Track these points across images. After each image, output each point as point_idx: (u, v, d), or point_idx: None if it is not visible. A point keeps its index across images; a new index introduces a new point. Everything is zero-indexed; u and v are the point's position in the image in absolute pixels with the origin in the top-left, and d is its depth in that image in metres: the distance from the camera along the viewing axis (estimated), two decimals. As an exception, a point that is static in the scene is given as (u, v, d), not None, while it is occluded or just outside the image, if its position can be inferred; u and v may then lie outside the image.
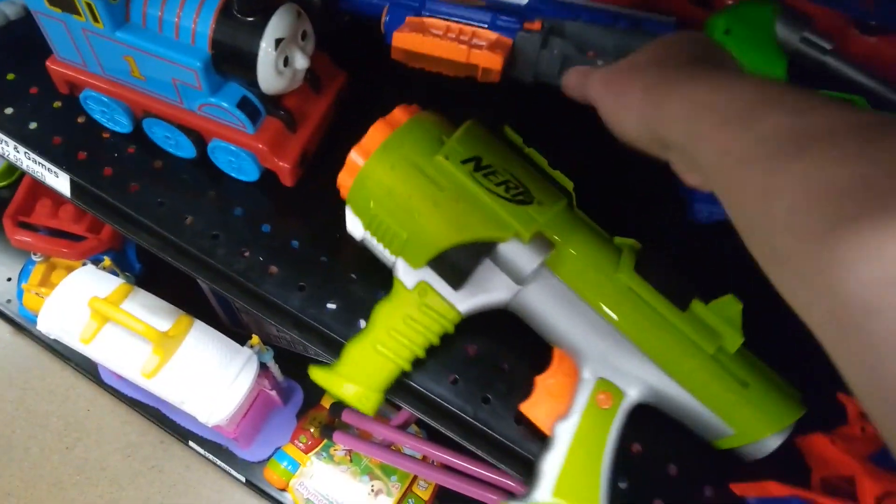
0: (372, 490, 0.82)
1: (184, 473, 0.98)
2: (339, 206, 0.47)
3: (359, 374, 0.42)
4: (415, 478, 0.84)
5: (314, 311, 0.46)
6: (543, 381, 0.42)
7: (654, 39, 0.36)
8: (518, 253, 0.39)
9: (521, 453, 0.44)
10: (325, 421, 0.86)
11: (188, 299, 0.75)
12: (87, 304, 0.67)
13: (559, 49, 0.45)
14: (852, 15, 0.47)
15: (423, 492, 0.83)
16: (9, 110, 0.53)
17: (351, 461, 0.84)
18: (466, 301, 0.41)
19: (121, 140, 0.52)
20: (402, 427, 0.81)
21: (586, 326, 0.39)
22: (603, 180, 0.49)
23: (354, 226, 0.42)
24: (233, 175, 0.50)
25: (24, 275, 0.92)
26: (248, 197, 0.50)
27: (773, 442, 0.39)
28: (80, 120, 0.52)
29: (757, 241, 0.25)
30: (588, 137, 0.51)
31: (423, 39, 0.45)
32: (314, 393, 0.90)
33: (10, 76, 0.54)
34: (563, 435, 0.39)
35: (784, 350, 0.47)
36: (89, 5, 0.40)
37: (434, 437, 0.78)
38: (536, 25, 0.45)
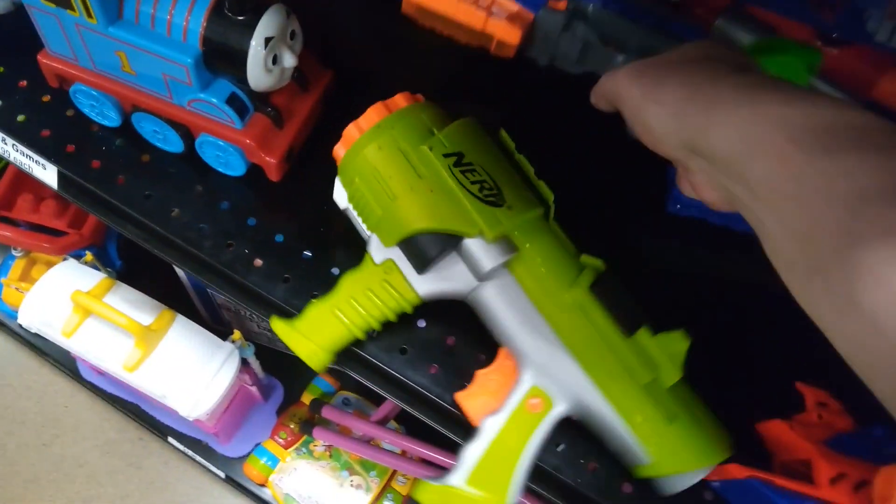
0: (351, 485, 0.83)
1: (162, 470, 0.98)
2: (322, 202, 0.48)
3: (314, 332, 0.43)
4: (394, 473, 0.85)
5: (298, 302, 0.48)
6: (483, 376, 0.44)
7: (686, 43, 0.36)
8: (481, 250, 0.40)
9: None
10: (306, 417, 0.87)
11: (169, 297, 0.76)
12: (70, 298, 0.68)
13: (581, 34, 0.43)
14: (814, 26, 0.49)
15: (402, 487, 0.85)
16: (-3, 103, 0.54)
17: (330, 457, 0.85)
18: (427, 285, 0.42)
19: (109, 134, 0.53)
20: (382, 423, 0.82)
21: (533, 333, 0.41)
22: (593, 196, 0.51)
23: (340, 196, 0.44)
24: (220, 170, 0.51)
25: (3, 270, 0.92)
26: (234, 191, 0.51)
27: (687, 479, 0.40)
28: (69, 114, 0.53)
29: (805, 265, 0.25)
30: (589, 154, 0.53)
31: None
32: (294, 390, 0.91)
33: (0, 69, 0.55)
34: (489, 429, 0.41)
35: (748, 339, 0.50)
36: (83, 1, 0.41)
37: (413, 432, 0.79)
38: (561, 5, 0.43)
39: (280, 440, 0.86)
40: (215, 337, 0.73)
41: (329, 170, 0.45)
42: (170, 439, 0.89)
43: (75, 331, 0.70)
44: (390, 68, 0.57)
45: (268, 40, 0.42)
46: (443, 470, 0.65)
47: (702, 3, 0.49)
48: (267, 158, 0.48)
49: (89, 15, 0.42)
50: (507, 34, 0.44)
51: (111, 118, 0.51)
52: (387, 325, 0.47)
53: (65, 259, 0.77)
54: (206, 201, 0.51)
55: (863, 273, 0.22)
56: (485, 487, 0.40)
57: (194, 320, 0.74)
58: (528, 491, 0.44)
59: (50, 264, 0.83)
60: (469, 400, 0.44)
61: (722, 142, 0.29)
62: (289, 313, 0.48)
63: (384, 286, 0.43)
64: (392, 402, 0.83)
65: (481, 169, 0.41)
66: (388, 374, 0.47)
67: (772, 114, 0.27)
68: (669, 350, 0.40)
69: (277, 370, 0.91)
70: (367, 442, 0.80)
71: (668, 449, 0.40)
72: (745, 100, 0.28)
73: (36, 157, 0.52)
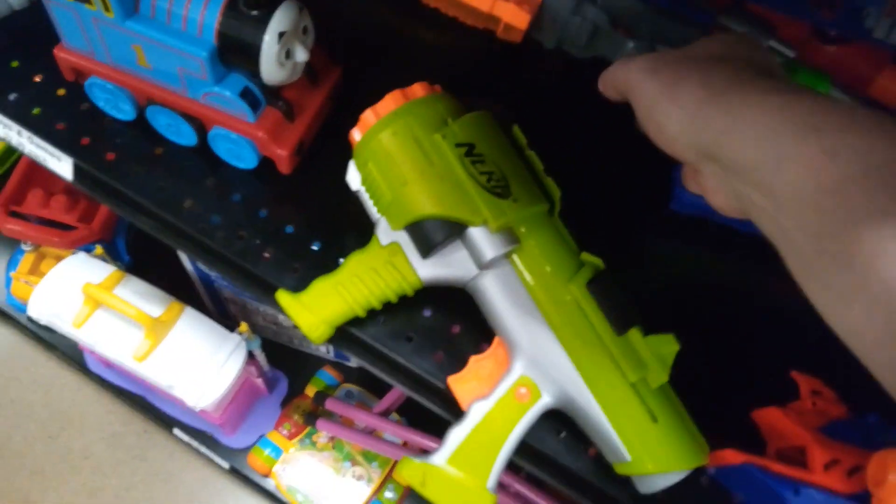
0: (353, 475, 0.85)
1: (167, 462, 0.99)
2: (332, 195, 0.50)
3: (317, 305, 0.45)
4: (395, 464, 0.86)
5: (307, 291, 0.49)
6: (476, 362, 0.45)
7: (709, 37, 0.34)
8: (484, 239, 0.41)
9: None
10: (309, 409, 0.88)
11: (176, 291, 0.77)
12: (81, 290, 0.69)
13: (591, 17, 0.42)
14: (813, 24, 0.51)
15: (404, 479, 0.86)
16: (13, 96, 0.55)
17: (333, 448, 0.87)
18: (429, 270, 0.44)
19: (123, 127, 0.54)
20: (384, 414, 0.84)
21: (526, 324, 0.42)
22: (597, 193, 0.52)
23: (353, 178, 0.45)
24: (231, 163, 0.52)
25: (12, 264, 0.94)
26: (245, 184, 0.53)
27: (663, 480, 0.41)
28: (84, 107, 0.54)
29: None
30: (595, 151, 0.54)
31: None
32: (298, 383, 0.93)
33: (14, 64, 0.56)
34: (476, 413, 0.42)
35: (745, 330, 0.51)
36: (102, -4, 0.43)
37: (414, 424, 0.80)
38: None
39: (284, 432, 0.88)
40: (223, 329, 0.74)
41: (338, 164, 0.47)
42: (175, 431, 0.90)
43: (85, 322, 0.71)
44: (399, 65, 0.58)
45: (281, 35, 0.43)
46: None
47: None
48: (278, 151, 0.49)
49: (107, 9, 0.44)
50: (515, 17, 0.43)
51: (126, 111, 0.52)
52: (393, 314, 0.48)
53: (75, 252, 0.78)
54: (217, 194, 0.52)
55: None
56: (465, 469, 0.41)
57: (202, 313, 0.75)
58: (529, 476, 0.45)
59: (59, 259, 0.85)
60: (460, 384, 0.45)
61: (744, 149, 0.27)
62: (298, 302, 0.49)
63: (388, 268, 0.44)
64: (393, 395, 0.85)
65: (491, 161, 0.42)
66: (395, 361, 0.48)
67: (803, 123, 0.25)
68: (659, 351, 0.41)
69: (282, 363, 0.92)
70: (370, 433, 0.82)
71: (649, 448, 0.40)
72: (774, 106, 0.27)
73: (51, 149, 0.53)
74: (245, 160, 0.51)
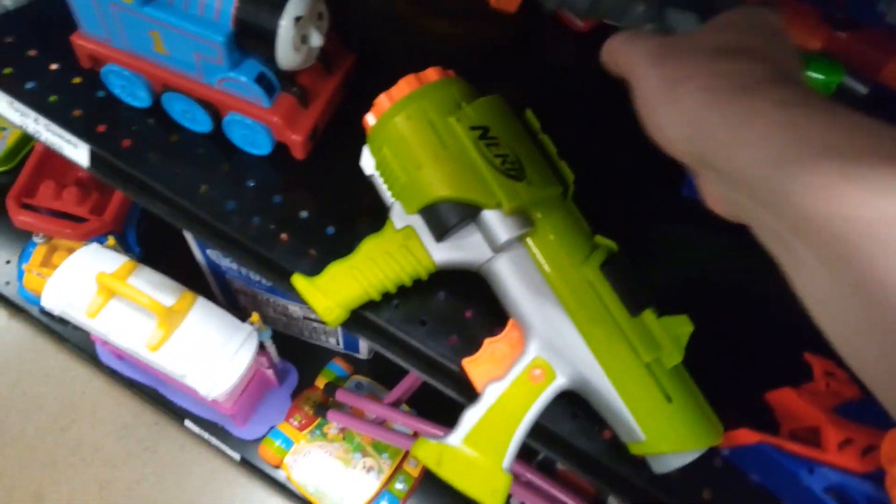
0: (364, 467, 0.85)
1: (177, 454, 1.00)
2: (345, 180, 0.50)
3: (332, 289, 0.45)
4: (405, 455, 0.87)
5: (322, 275, 0.49)
6: (490, 345, 0.45)
7: (725, 18, 0.32)
8: (498, 222, 0.42)
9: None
10: (320, 400, 0.89)
11: (186, 282, 0.77)
12: (95, 279, 0.70)
13: None
14: (824, 8, 0.51)
15: (413, 469, 0.86)
16: (30, 84, 0.55)
17: (344, 439, 0.87)
18: (443, 253, 0.44)
19: (139, 115, 0.54)
20: (394, 405, 0.84)
21: (541, 306, 0.42)
22: (610, 178, 0.52)
23: (367, 163, 0.46)
24: (246, 149, 0.53)
25: (24, 256, 0.94)
26: (259, 170, 0.53)
27: (677, 459, 0.41)
28: (99, 95, 0.55)
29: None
30: (608, 135, 0.55)
31: None
32: (308, 374, 0.93)
33: (31, 52, 0.57)
34: (491, 394, 0.42)
35: (758, 313, 0.51)
36: (121, -19, 0.43)
37: (424, 414, 0.81)
38: None
39: (295, 423, 0.88)
40: (235, 318, 0.74)
41: (350, 149, 0.47)
42: (186, 422, 0.91)
43: (99, 312, 0.72)
44: (410, 52, 0.58)
45: (297, 19, 0.44)
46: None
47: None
48: (293, 136, 0.50)
49: (126, -5, 0.44)
50: None
51: (141, 98, 0.53)
52: (407, 298, 0.48)
53: (89, 242, 0.79)
54: (232, 179, 0.52)
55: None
56: (480, 449, 0.42)
57: (212, 305, 0.75)
58: (540, 464, 0.45)
59: (70, 251, 0.85)
60: (474, 366, 0.45)
61: (750, 164, 0.25)
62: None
63: (402, 251, 0.44)
64: (403, 386, 0.85)
65: (505, 144, 0.43)
66: (409, 344, 0.48)
67: (821, 143, 0.23)
68: (673, 333, 0.41)
69: (292, 355, 0.93)
70: (380, 424, 0.82)
71: (663, 428, 0.40)
72: (786, 121, 0.24)
73: (68, 136, 0.54)
74: (259, 146, 0.52)
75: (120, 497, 0.97)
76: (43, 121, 0.54)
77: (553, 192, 0.43)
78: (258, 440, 0.89)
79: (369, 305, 0.47)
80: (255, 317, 0.75)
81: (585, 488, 0.78)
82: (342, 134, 0.54)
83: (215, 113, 0.51)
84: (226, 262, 0.80)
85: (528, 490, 0.73)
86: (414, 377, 0.84)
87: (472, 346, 0.46)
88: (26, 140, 1.03)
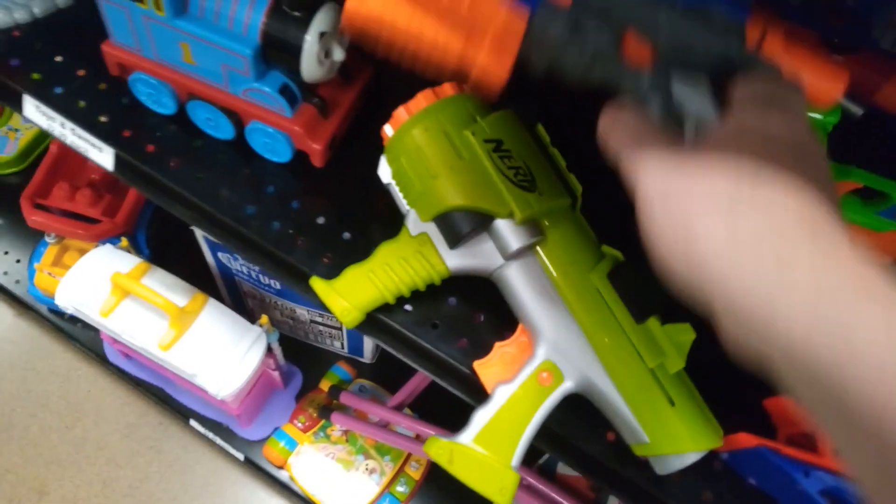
0: (366, 469, 0.87)
1: (181, 454, 1.01)
2: (362, 188, 0.52)
3: (349, 292, 0.47)
4: (407, 458, 0.88)
5: (338, 279, 0.51)
6: (500, 348, 0.47)
7: (745, 99, 0.28)
8: (510, 231, 0.44)
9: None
10: (324, 402, 0.90)
11: (195, 285, 0.79)
12: (110, 279, 0.71)
13: (592, 37, 0.33)
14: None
15: (415, 472, 0.88)
16: (58, 90, 0.57)
17: (347, 441, 0.89)
18: (456, 260, 0.46)
19: (163, 121, 0.56)
20: (397, 409, 0.86)
21: (550, 311, 0.44)
22: (616, 191, 0.53)
23: (384, 172, 0.48)
24: (266, 156, 0.55)
25: (35, 256, 0.96)
26: (278, 177, 0.55)
27: (679, 461, 0.42)
28: (125, 101, 0.57)
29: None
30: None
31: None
32: (313, 377, 0.95)
33: (59, 59, 0.59)
34: (501, 395, 0.44)
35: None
36: (155, -5, 0.45)
37: (426, 417, 0.83)
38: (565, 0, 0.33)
39: (299, 424, 0.90)
40: (245, 320, 0.76)
41: (368, 158, 0.49)
42: (191, 422, 0.92)
43: (112, 311, 0.73)
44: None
45: (322, 35, 0.46)
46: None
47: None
48: (313, 145, 0.52)
49: (158, 8, 0.46)
50: (490, 70, 0.39)
51: (167, 106, 0.55)
52: (420, 302, 0.50)
53: (101, 244, 0.80)
54: (252, 185, 0.54)
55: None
56: (490, 448, 0.43)
57: (221, 307, 0.77)
58: (540, 468, 0.46)
59: (81, 251, 0.87)
60: (485, 368, 0.47)
61: (793, 341, 0.23)
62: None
63: (417, 257, 0.46)
64: (406, 390, 0.87)
65: (518, 156, 0.45)
66: (421, 346, 0.50)
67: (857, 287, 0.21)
68: (676, 340, 0.43)
69: (297, 358, 0.95)
70: (383, 426, 0.84)
71: (666, 430, 0.42)
72: (826, 288, 0.22)
73: (94, 140, 0.55)
74: (280, 154, 0.54)
75: (123, 495, 0.99)
76: (69, 125, 0.56)
77: (562, 203, 0.45)
78: (262, 441, 0.91)
79: (383, 309, 0.49)
80: (264, 319, 0.77)
81: (584, 493, 0.80)
82: (359, 143, 0.56)
83: (238, 121, 0.53)
84: (236, 265, 0.82)
85: (528, 493, 0.75)
86: (417, 381, 0.86)
87: (482, 350, 0.48)
88: (38, 142, 1.05)
